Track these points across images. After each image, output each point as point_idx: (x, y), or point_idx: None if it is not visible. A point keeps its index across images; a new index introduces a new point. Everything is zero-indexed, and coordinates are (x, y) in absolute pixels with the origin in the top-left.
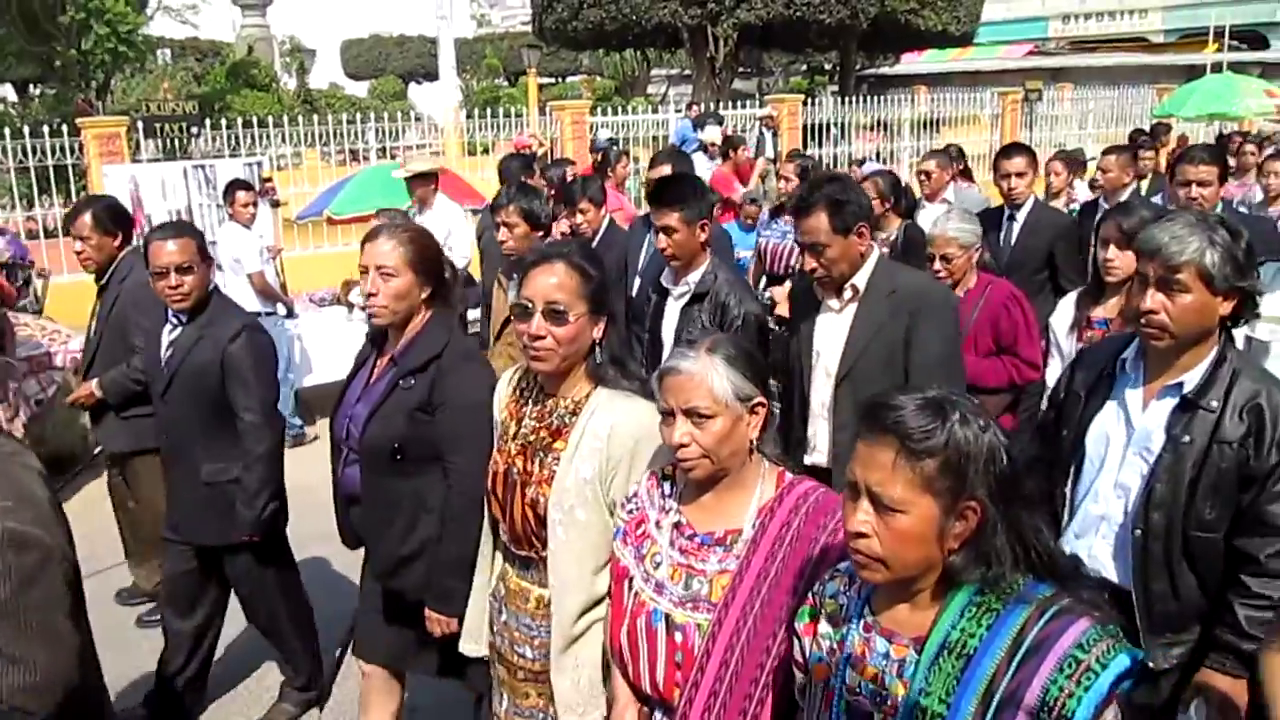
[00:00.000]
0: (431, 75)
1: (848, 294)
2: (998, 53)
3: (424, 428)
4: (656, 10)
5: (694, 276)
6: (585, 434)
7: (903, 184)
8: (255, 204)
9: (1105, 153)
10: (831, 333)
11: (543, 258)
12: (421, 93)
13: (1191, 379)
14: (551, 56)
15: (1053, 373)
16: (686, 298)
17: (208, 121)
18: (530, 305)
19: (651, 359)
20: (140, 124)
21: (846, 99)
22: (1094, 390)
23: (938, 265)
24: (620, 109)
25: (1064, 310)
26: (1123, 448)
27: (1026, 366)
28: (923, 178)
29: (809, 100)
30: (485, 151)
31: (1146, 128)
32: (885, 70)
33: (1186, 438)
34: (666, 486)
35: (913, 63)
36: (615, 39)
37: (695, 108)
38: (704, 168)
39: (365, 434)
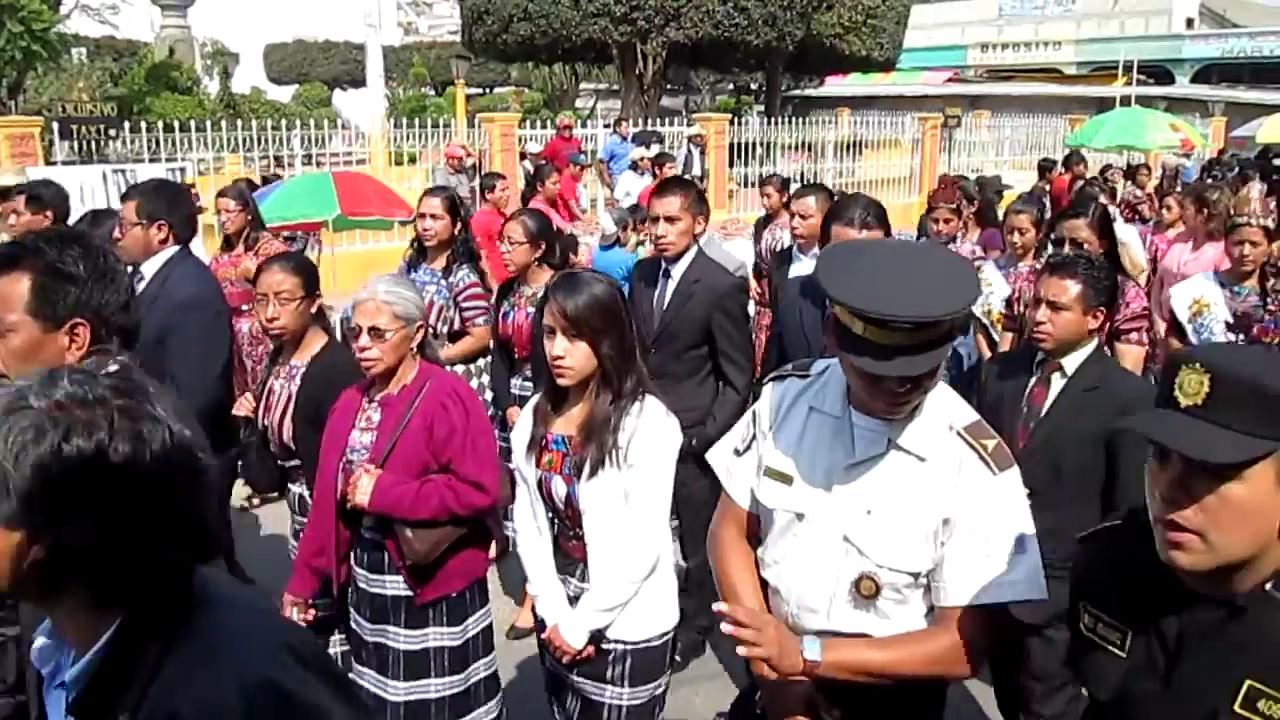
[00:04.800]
0: (357, 82)
1: None
2: (919, 79)
3: None
4: (587, 26)
5: None
6: None
7: (554, 227)
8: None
9: (800, 194)
10: None
11: None
12: (347, 100)
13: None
14: (480, 68)
15: (518, 509)
16: None
17: (126, 124)
18: None
19: None
20: (55, 125)
21: (772, 119)
22: None
23: (365, 340)
24: (549, 123)
25: (523, 425)
26: None
27: (470, 489)
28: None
29: (736, 119)
30: (412, 161)
31: (1058, 156)
32: (810, 92)
33: None
34: None
35: (837, 85)
36: (545, 53)
37: (625, 123)
38: (635, 184)
39: None
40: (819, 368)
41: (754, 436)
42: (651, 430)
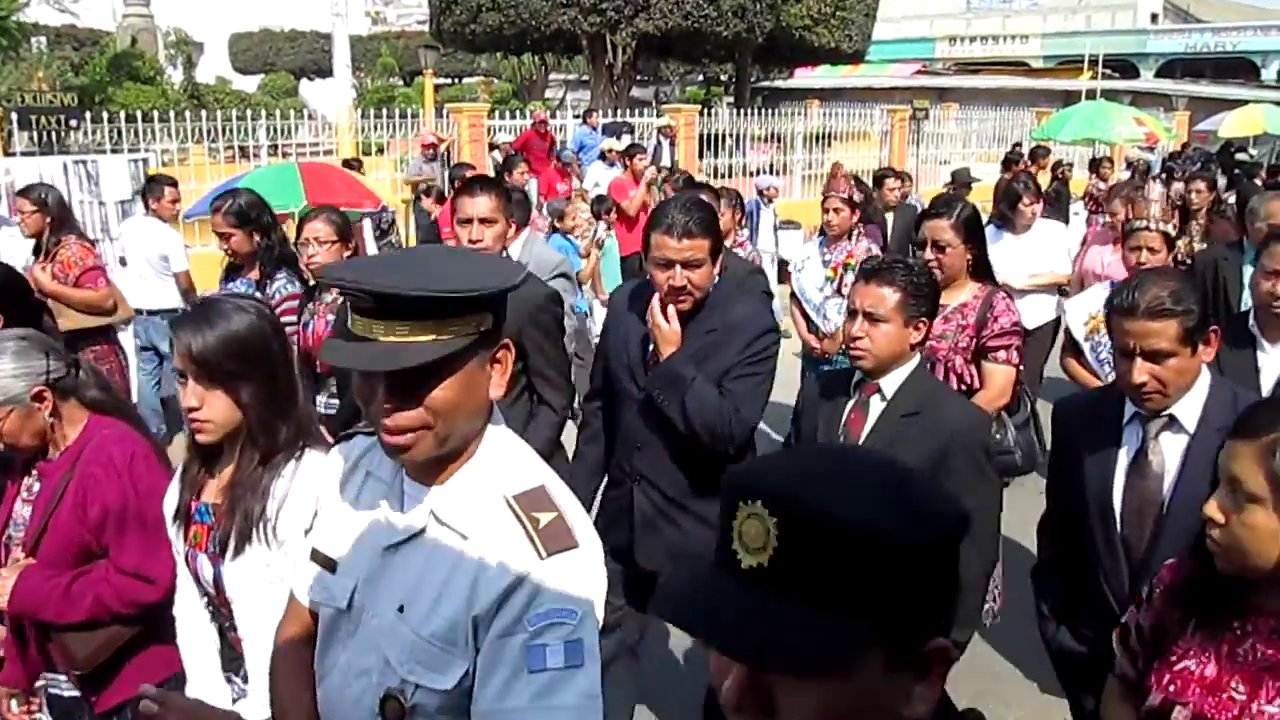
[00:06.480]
0: (324, 72)
1: None
2: (887, 71)
3: None
4: (556, 16)
5: None
6: None
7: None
8: (179, 200)
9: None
10: None
11: None
12: (314, 90)
13: None
14: (448, 57)
15: (178, 588)
16: None
17: (87, 114)
18: None
19: None
20: (14, 115)
21: (741, 110)
22: None
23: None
24: (519, 113)
25: (171, 489)
26: None
27: (130, 583)
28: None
29: (705, 111)
30: (380, 151)
31: (1026, 149)
32: (779, 83)
33: None
34: None
35: (806, 77)
36: (514, 43)
37: (594, 114)
38: (604, 174)
39: None
40: None
41: (315, 513)
42: (305, 497)
